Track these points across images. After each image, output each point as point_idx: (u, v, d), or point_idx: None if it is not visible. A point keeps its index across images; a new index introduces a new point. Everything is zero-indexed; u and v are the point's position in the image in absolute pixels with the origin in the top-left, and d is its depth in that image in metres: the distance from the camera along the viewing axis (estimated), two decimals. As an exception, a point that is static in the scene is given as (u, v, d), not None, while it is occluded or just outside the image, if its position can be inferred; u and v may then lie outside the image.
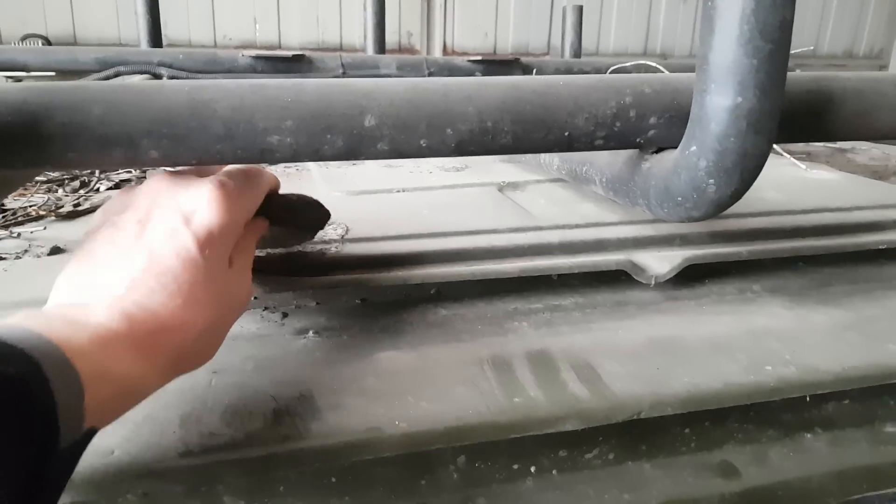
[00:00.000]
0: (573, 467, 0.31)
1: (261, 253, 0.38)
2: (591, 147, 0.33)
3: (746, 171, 0.30)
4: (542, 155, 0.55)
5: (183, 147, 0.27)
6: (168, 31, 2.69)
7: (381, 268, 0.38)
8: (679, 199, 0.33)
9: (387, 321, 0.37)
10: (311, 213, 0.36)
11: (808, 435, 0.35)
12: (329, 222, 0.37)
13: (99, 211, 0.28)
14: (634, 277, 0.41)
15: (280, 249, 0.38)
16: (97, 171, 0.69)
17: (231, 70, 1.09)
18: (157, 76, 1.01)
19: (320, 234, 0.40)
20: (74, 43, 2.81)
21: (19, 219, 0.52)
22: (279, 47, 3.06)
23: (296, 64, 1.13)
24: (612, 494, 0.31)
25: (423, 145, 0.30)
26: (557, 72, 1.26)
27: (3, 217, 0.52)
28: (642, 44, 3.57)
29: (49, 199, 0.58)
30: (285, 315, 0.38)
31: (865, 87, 0.36)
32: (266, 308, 0.38)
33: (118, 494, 0.26)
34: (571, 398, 0.30)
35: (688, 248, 0.43)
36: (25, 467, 0.18)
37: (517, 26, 3.40)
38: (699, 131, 0.30)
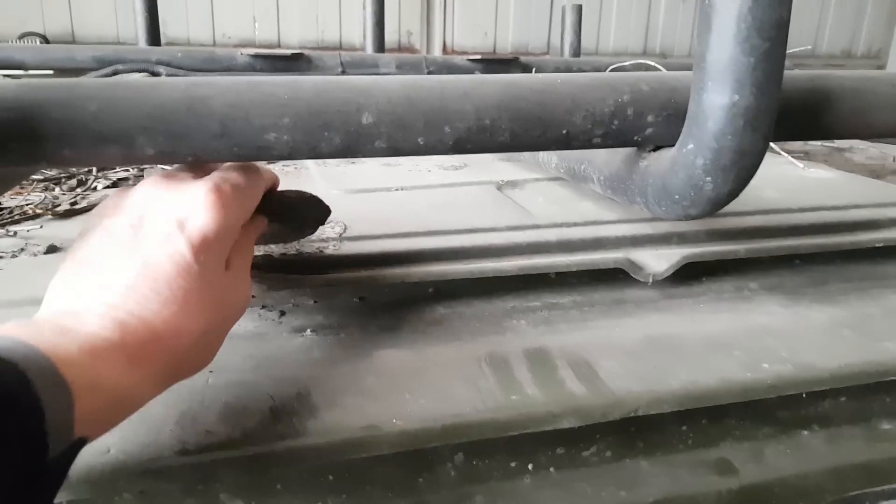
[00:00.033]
0: (571, 465, 0.31)
1: (259, 251, 0.38)
2: (588, 145, 0.33)
3: (743, 168, 0.30)
4: (541, 153, 0.55)
5: (179, 144, 0.27)
6: (167, 29, 2.68)
7: (379, 266, 0.38)
8: (676, 196, 0.33)
9: (385, 319, 0.37)
10: (312, 210, 0.35)
11: (805, 432, 0.35)
12: (328, 220, 0.37)
13: (92, 213, 0.27)
14: (632, 276, 0.41)
15: (280, 246, 0.38)
16: (94, 170, 0.69)
17: (229, 69, 1.09)
18: (156, 74, 1.01)
19: (318, 233, 0.40)
20: (73, 41, 2.81)
21: (16, 217, 0.52)
22: (278, 46, 3.05)
23: (295, 62, 1.13)
24: (610, 492, 0.31)
25: (421, 143, 0.30)
26: (557, 71, 1.26)
27: (0, 215, 0.52)
28: (642, 43, 3.57)
29: (46, 197, 0.58)
30: (283, 313, 0.38)
31: (862, 85, 0.36)
32: (264, 306, 0.38)
33: (115, 493, 0.26)
34: (569, 396, 0.30)
35: (685, 247, 0.43)
36: (13, 479, 0.17)
37: (517, 26, 3.39)
38: (696, 129, 0.30)
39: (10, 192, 0.59)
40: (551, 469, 0.31)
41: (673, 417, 0.33)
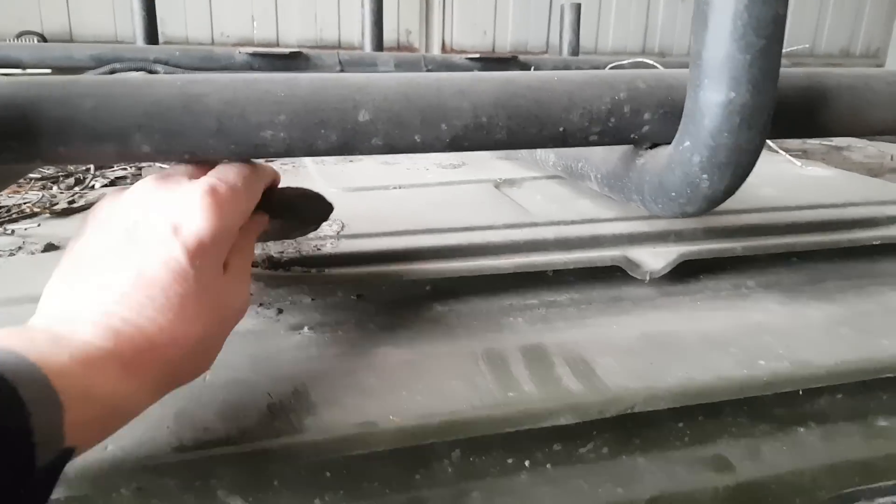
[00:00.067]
0: (567, 461, 0.32)
1: (257, 249, 0.38)
2: (585, 143, 0.33)
3: (740, 166, 0.30)
4: (538, 151, 0.55)
5: (175, 142, 0.27)
6: (165, 28, 2.68)
7: (377, 264, 0.38)
8: (673, 194, 0.33)
9: (382, 317, 0.37)
10: (314, 207, 0.35)
11: (802, 429, 0.35)
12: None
13: (88, 215, 0.27)
14: (629, 273, 0.41)
15: (277, 243, 0.38)
16: (92, 169, 0.69)
17: (227, 67, 1.09)
18: (153, 73, 1.01)
19: (316, 230, 0.39)
20: (70, 40, 2.80)
21: (13, 216, 0.52)
22: (277, 45, 3.05)
23: (293, 61, 1.13)
24: (606, 488, 0.31)
25: (418, 140, 0.30)
26: (555, 69, 1.25)
27: (-2, 214, 0.52)
28: (641, 42, 3.58)
29: (43, 196, 0.58)
30: (280, 311, 0.38)
31: (858, 83, 0.36)
32: (261, 304, 0.38)
33: (112, 489, 0.26)
34: (565, 392, 0.30)
35: (682, 244, 0.43)
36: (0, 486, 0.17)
37: (516, 25, 3.39)
38: (693, 127, 0.30)
39: (7, 191, 0.59)
40: (548, 465, 0.31)
41: (670, 414, 0.33)
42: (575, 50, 1.45)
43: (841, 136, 0.39)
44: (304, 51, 1.15)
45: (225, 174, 0.27)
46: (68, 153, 0.26)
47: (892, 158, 1.09)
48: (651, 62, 0.80)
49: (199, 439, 0.26)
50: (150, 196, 0.26)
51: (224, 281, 0.26)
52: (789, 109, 0.34)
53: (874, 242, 0.46)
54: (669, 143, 0.33)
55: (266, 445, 0.27)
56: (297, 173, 0.64)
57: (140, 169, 0.70)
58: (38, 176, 0.65)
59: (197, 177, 0.27)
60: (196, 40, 2.99)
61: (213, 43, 3.02)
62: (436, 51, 3.24)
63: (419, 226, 0.43)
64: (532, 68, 1.24)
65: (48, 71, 1.08)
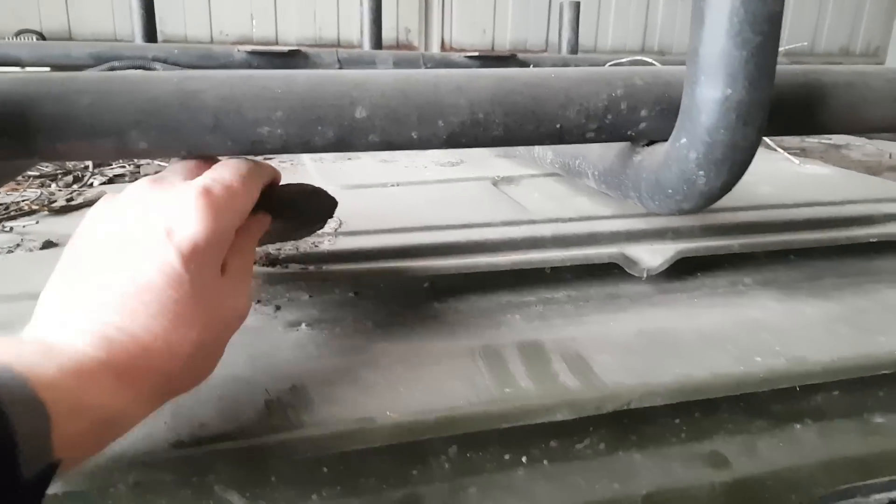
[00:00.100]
0: (564, 457, 0.32)
1: (260, 250, 0.37)
2: (582, 140, 0.33)
3: (736, 162, 0.30)
4: (536, 149, 0.55)
5: (172, 138, 0.27)
6: (164, 27, 2.67)
7: (375, 261, 0.39)
8: (670, 191, 0.33)
9: (379, 314, 0.38)
10: (317, 204, 0.34)
11: (798, 425, 0.35)
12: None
13: (82, 221, 0.26)
14: (627, 270, 0.41)
15: (286, 244, 0.37)
16: (90, 166, 0.69)
17: (226, 65, 1.09)
18: (152, 71, 1.00)
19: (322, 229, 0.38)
20: (69, 39, 2.80)
21: (12, 213, 0.52)
22: (276, 44, 3.05)
23: (292, 59, 1.13)
24: (603, 484, 0.31)
25: (415, 137, 0.30)
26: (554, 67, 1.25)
27: (-4, 211, 0.52)
28: (640, 41, 3.57)
29: (42, 193, 0.58)
30: (278, 308, 0.38)
31: (856, 80, 0.36)
32: (259, 301, 0.38)
33: (109, 484, 0.26)
34: (562, 388, 0.30)
35: (680, 242, 0.43)
36: None
37: (515, 23, 3.39)
38: (689, 123, 0.30)
39: (6, 188, 0.59)
40: (545, 461, 0.31)
41: (666, 410, 0.33)
42: (574, 48, 1.45)
43: (839, 133, 0.39)
44: (303, 49, 1.15)
45: (220, 174, 0.26)
46: (66, 149, 0.26)
47: (890, 157, 1.10)
48: (649, 60, 0.80)
49: (197, 435, 0.26)
50: (142, 199, 0.25)
51: (222, 284, 0.25)
52: (786, 106, 0.34)
53: (871, 240, 0.46)
54: (666, 140, 0.33)
55: (263, 441, 0.27)
56: (296, 171, 0.64)
57: (139, 166, 0.70)
58: (37, 174, 0.65)
59: (193, 177, 0.26)
60: (195, 39, 2.99)
61: (212, 42, 3.02)
62: (435, 49, 3.24)
63: (417, 223, 0.43)
64: (531, 66, 1.24)
65: (47, 69, 1.08)
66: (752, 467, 0.33)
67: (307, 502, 0.28)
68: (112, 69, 0.98)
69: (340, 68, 1.13)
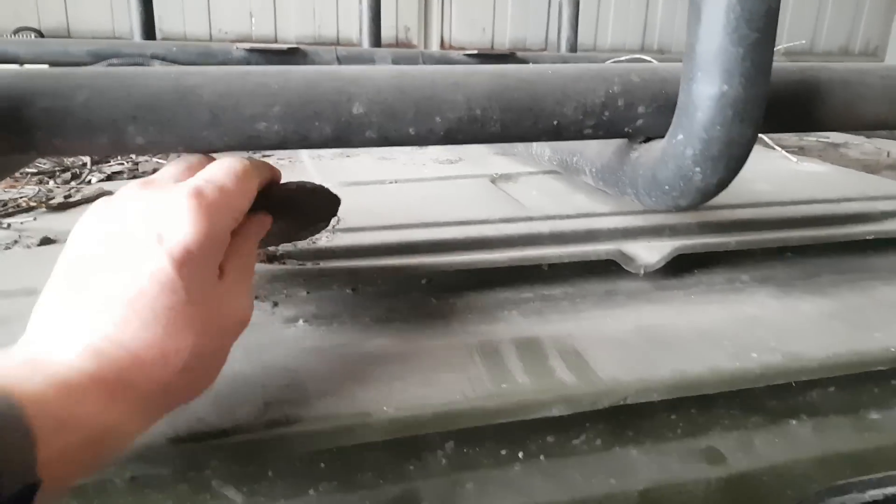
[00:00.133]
0: (561, 453, 0.32)
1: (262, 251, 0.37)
2: (579, 136, 0.33)
3: (732, 159, 0.31)
4: (534, 146, 0.55)
5: (169, 133, 0.27)
6: (163, 25, 2.67)
7: (372, 257, 0.39)
8: (666, 187, 0.33)
9: (377, 310, 0.38)
10: (319, 202, 0.33)
11: (794, 421, 0.35)
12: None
13: (74, 229, 0.25)
14: (624, 267, 0.41)
15: (291, 245, 0.36)
16: (88, 163, 0.69)
17: (224, 63, 1.09)
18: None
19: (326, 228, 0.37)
20: (68, 37, 2.79)
21: (10, 210, 0.52)
22: (275, 41, 3.04)
23: (290, 57, 1.13)
24: (599, 479, 0.31)
25: (412, 133, 0.30)
26: (553, 66, 1.25)
27: (-6, 208, 0.52)
28: (640, 39, 3.57)
29: (40, 190, 0.58)
30: (276, 304, 0.38)
31: (852, 77, 0.36)
32: (257, 297, 0.38)
33: (106, 479, 0.26)
34: (559, 384, 0.30)
35: (677, 239, 0.43)
36: None
37: (515, 21, 3.39)
38: (686, 120, 0.31)
39: (4, 185, 0.59)
40: (542, 457, 0.31)
41: (662, 406, 0.33)
42: (573, 46, 1.45)
43: (835, 130, 0.39)
44: (302, 47, 1.15)
45: (213, 174, 0.26)
46: (62, 145, 0.26)
47: (888, 155, 1.10)
48: (648, 58, 0.80)
49: (194, 430, 0.26)
50: (132, 204, 0.24)
51: (220, 289, 0.25)
52: (783, 103, 0.34)
53: (868, 237, 0.46)
54: (663, 137, 0.33)
55: (261, 436, 0.27)
56: (294, 168, 0.64)
57: (137, 164, 0.70)
58: (35, 171, 0.65)
59: (185, 179, 0.26)
60: (194, 37, 2.98)
61: (211, 40, 3.01)
62: (435, 47, 3.23)
63: (415, 220, 0.43)
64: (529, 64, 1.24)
65: (45, 66, 1.07)
66: (747, 463, 0.33)
67: (304, 497, 0.29)
68: (110, 66, 0.97)
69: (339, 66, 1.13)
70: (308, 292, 0.39)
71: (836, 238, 0.46)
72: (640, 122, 0.33)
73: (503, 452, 0.31)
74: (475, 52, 1.25)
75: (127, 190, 0.25)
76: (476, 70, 0.31)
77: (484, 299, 0.40)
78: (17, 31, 2.69)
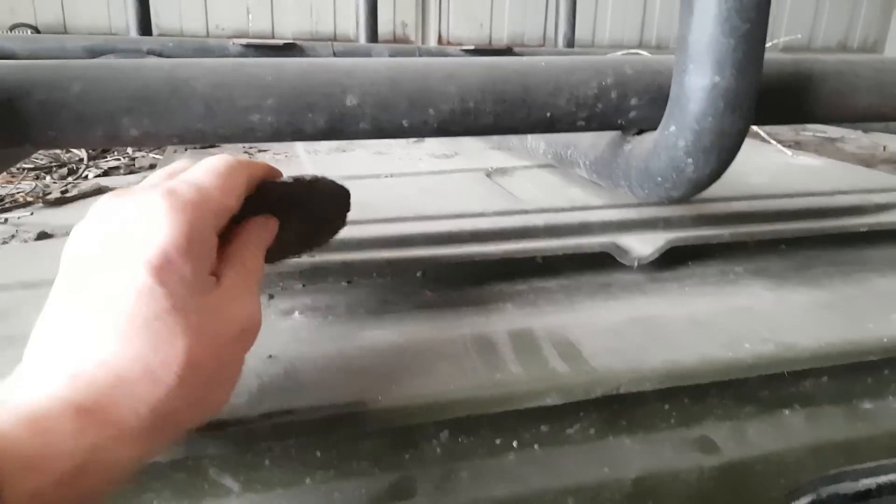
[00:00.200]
0: (555, 442, 0.32)
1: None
2: (573, 128, 0.34)
3: (724, 150, 0.31)
4: (529, 140, 0.56)
5: (163, 125, 0.27)
6: (160, 21, 2.66)
7: (368, 250, 0.39)
8: (659, 179, 0.33)
9: (372, 302, 0.38)
10: (325, 195, 0.30)
11: (787, 411, 0.36)
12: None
13: (63, 251, 0.23)
14: (618, 260, 0.41)
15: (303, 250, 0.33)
16: (85, 159, 0.69)
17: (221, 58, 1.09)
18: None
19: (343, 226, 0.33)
20: (64, 33, 2.78)
21: (7, 205, 0.52)
22: (272, 37, 3.03)
23: (287, 52, 1.13)
24: (593, 468, 0.31)
25: (405, 125, 0.30)
26: (550, 61, 1.25)
27: (-9, 203, 0.52)
28: (638, 35, 3.56)
29: (37, 186, 0.58)
30: (272, 296, 0.38)
31: (844, 68, 0.36)
32: (253, 290, 0.38)
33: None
34: (552, 373, 0.31)
35: (671, 231, 0.43)
36: None
37: (512, 17, 3.38)
38: (678, 111, 0.31)
39: (0, 180, 0.59)
40: (536, 446, 0.32)
41: (655, 396, 0.33)
42: (570, 42, 1.45)
43: (828, 121, 0.40)
44: (299, 43, 1.15)
45: (190, 174, 0.24)
46: (57, 137, 0.26)
47: (884, 149, 1.10)
48: (644, 53, 0.80)
49: (190, 420, 0.27)
50: (108, 212, 0.23)
51: (214, 294, 0.23)
52: (776, 94, 0.35)
53: (862, 229, 0.46)
54: (656, 129, 0.33)
55: (257, 426, 0.27)
56: (289, 163, 0.64)
57: (133, 159, 0.70)
58: (32, 166, 0.65)
59: (186, 169, 0.24)
60: (190, 33, 2.97)
61: (207, 35, 3.00)
62: (432, 44, 3.23)
63: (411, 213, 0.43)
64: (527, 60, 1.24)
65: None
66: (740, 452, 0.33)
67: (301, 486, 0.29)
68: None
69: (336, 61, 1.13)
70: (304, 285, 0.39)
71: (830, 230, 0.46)
72: (633, 113, 0.34)
73: (497, 442, 0.31)
74: (472, 47, 1.25)
75: (101, 202, 0.24)
76: (469, 62, 0.31)
77: (479, 291, 0.40)
78: (13, 28, 2.68)
